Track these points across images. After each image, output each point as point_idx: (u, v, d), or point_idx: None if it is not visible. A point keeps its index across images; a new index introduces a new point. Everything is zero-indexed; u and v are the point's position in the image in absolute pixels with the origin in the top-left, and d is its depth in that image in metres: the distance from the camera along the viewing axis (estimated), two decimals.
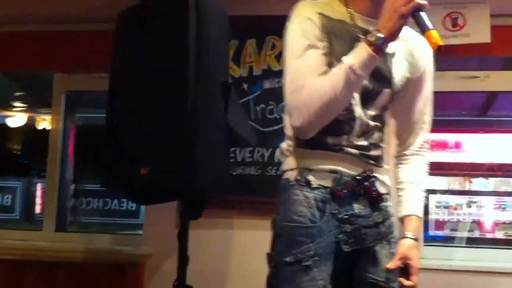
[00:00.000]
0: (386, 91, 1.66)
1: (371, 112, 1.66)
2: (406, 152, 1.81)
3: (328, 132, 1.60)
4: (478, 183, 6.83)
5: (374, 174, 1.68)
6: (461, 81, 3.54)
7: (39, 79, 4.84)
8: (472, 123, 6.32)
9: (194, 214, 2.68)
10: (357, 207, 1.66)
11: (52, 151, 3.94)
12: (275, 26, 3.47)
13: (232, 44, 3.48)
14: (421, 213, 1.77)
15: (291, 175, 1.69)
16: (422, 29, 1.43)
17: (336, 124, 1.60)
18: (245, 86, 3.52)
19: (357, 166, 1.66)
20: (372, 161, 1.69)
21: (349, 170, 1.65)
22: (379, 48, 1.47)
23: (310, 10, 1.61)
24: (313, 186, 1.63)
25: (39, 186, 6.77)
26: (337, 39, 1.59)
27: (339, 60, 1.54)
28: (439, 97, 3.83)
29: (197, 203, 2.69)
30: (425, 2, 1.44)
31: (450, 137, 6.72)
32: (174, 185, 2.55)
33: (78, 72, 3.84)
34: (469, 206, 6.70)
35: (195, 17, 2.61)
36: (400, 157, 1.83)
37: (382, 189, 1.72)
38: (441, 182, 6.88)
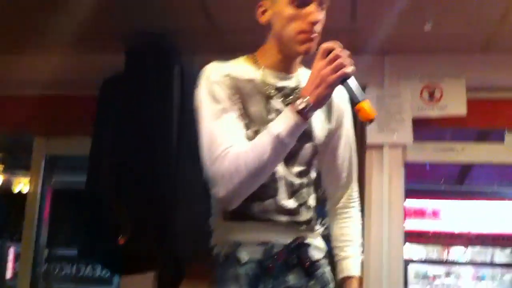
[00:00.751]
0: (308, 145, 1.60)
1: (296, 169, 1.59)
2: (337, 206, 1.75)
3: (253, 198, 1.52)
4: (456, 252, 6.85)
5: (306, 241, 1.60)
6: (438, 153, 3.59)
7: (17, 141, 4.80)
8: (449, 192, 6.39)
9: (172, 284, 2.62)
10: (292, 278, 1.56)
11: (29, 215, 3.85)
12: None
13: None
14: (360, 272, 1.69)
15: (220, 251, 1.59)
16: (352, 99, 1.38)
17: (260, 188, 1.50)
18: None
19: (288, 233, 1.58)
20: (303, 226, 1.61)
21: (280, 239, 1.56)
22: (306, 115, 1.41)
23: (218, 73, 1.55)
24: (243, 262, 1.53)
25: (11, 250, 6.57)
26: (250, 99, 1.55)
27: (255, 121, 1.52)
28: (416, 166, 3.92)
29: (175, 273, 2.64)
30: (350, 70, 1.39)
31: (428, 206, 6.78)
32: (152, 255, 2.51)
33: (58, 136, 3.82)
34: (447, 276, 6.69)
35: (180, 85, 2.65)
36: (331, 211, 1.77)
37: (317, 255, 1.65)
38: (420, 250, 6.89)
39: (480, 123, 3.55)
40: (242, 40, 3.43)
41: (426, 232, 6.83)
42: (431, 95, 3.43)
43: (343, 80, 1.38)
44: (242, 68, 1.60)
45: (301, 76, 1.63)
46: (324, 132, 1.65)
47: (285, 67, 1.60)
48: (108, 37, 3.24)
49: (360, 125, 3.43)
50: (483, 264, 6.71)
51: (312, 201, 1.66)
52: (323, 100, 1.42)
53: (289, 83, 1.61)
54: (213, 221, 1.65)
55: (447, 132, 3.91)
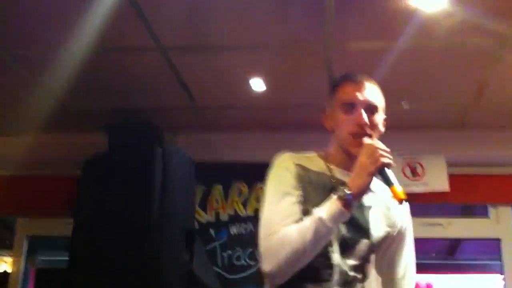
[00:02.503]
0: (364, 241, 1.66)
1: (351, 262, 1.64)
2: None
3: (307, 278, 1.59)
4: None
5: None
6: (425, 228, 3.59)
7: (0, 221, 4.77)
8: (440, 265, 6.33)
9: None
10: None
11: None
12: (241, 172, 3.70)
13: (199, 190, 3.53)
14: None
15: None
16: (387, 183, 1.52)
17: (313, 270, 1.58)
18: (212, 231, 3.52)
19: None
20: None
21: None
22: (348, 203, 1.52)
23: (289, 161, 1.69)
24: None
25: None
26: (314, 188, 1.65)
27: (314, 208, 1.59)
28: None
29: None
30: (391, 162, 1.53)
31: (420, 279, 6.69)
32: None
33: (41, 217, 3.81)
34: None
35: (161, 166, 2.67)
36: None
37: None
38: None
39: (463, 199, 3.58)
40: (222, 116, 3.54)
41: None
42: (413, 171, 3.48)
43: (381, 170, 1.52)
44: (312, 161, 1.73)
45: None
46: (381, 232, 1.70)
47: (348, 166, 1.67)
48: (91, 117, 3.30)
49: None
50: None
51: None
52: (363, 188, 1.54)
53: None
54: None
55: (434, 208, 3.93)
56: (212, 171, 3.54)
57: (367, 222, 1.67)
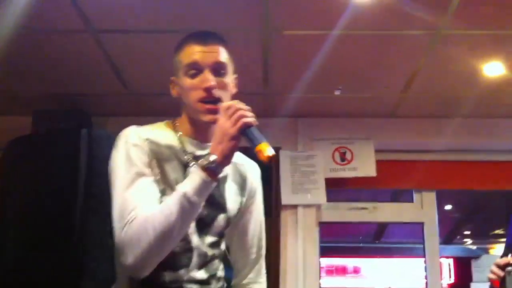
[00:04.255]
0: (221, 216, 1.57)
1: (209, 240, 1.55)
2: (244, 282, 1.71)
3: (164, 267, 1.45)
4: None
5: None
6: (352, 212, 3.68)
7: None
8: (367, 249, 6.54)
9: None
10: None
11: None
12: None
13: None
14: None
15: None
16: (253, 143, 1.38)
17: (172, 257, 1.45)
18: None
19: None
20: None
21: None
22: (212, 172, 1.39)
23: (137, 136, 1.51)
24: None
25: None
26: (168, 165, 1.51)
27: (172, 187, 1.46)
28: (334, 225, 3.98)
29: None
30: (252, 120, 1.40)
31: (349, 263, 6.89)
32: None
33: None
34: None
35: (87, 148, 2.59)
36: (238, 286, 1.72)
37: None
38: None
39: (390, 184, 3.68)
40: (155, 103, 3.46)
41: None
42: (343, 157, 3.54)
43: (244, 130, 1.39)
44: (161, 133, 1.57)
45: None
46: (236, 204, 1.63)
47: (201, 136, 1.58)
48: (16, 101, 3.16)
49: (275, 187, 3.50)
50: None
51: (221, 272, 1.62)
52: (228, 154, 1.41)
53: (206, 152, 1.52)
54: None
55: (365, 193, 4.03)
56: None
57: (222, 195, 1.58)
